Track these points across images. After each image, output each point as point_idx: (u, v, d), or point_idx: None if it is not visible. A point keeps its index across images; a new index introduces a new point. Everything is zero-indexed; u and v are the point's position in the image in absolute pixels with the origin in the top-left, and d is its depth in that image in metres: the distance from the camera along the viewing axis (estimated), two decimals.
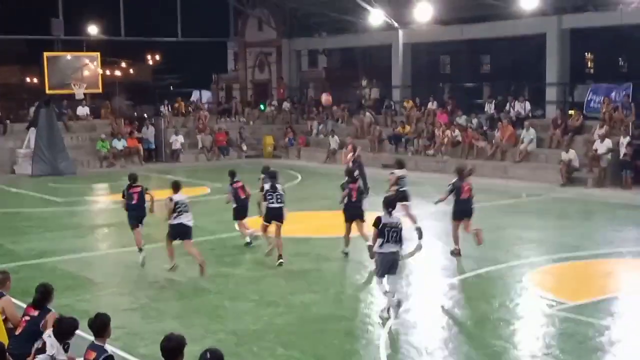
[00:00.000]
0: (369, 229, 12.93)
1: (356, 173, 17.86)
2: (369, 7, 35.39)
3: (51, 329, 8.13)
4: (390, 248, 11.77)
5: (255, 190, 16.96)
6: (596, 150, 26.28)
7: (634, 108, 27.26)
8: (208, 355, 6.41)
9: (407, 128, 33.52)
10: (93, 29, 40.47)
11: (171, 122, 37.79)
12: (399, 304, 11.64)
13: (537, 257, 16.01)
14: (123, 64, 56.05)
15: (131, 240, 18.03)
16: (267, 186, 15.69)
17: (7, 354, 7.94)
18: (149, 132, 36.45)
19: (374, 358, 10.21)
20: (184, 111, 39.66)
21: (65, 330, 8.09)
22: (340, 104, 39.49)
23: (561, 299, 12.59)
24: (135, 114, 39.62)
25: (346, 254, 16.12)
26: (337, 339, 10.90)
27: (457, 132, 31.11)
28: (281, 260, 15.19)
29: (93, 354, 7.49)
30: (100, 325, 7.65)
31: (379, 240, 11.75)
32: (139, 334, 11.12)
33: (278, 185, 15.68)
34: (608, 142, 26.11)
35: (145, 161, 35.16)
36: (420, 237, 17.10)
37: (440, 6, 33.35)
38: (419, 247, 16.87)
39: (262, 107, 41.49)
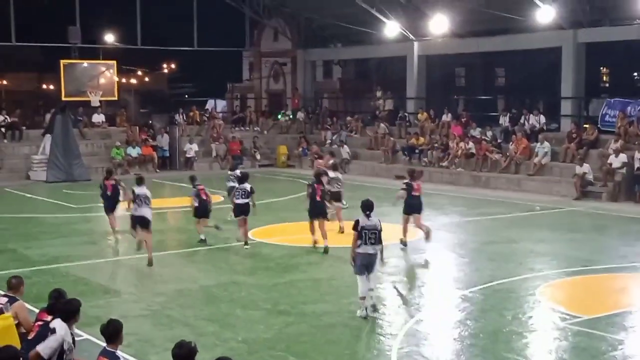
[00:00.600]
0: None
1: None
2: (384, 19, 35.45)
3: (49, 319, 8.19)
4: (367, 249, 12.39)
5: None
6: (611, 165, 26.18)
7: None
8: None
9: (421, 140, 33.50)
10: (110, 37, 40.68)
11: (186, 131, 37.92)
12: (374, 305, 12.46)
13: (550, 270, 15.93)
14: (139, 72, 56.29)
15: (143, 247, 18.10)
16: (236, 185, 18.91)
17: (20, 358, 7.96)
18: (163, 140, 36.59)
19: None
20: (198, 120, 39.79)
21: (71, 309, 8.18)
22: (354, 114, 39.57)
23: (574, 312, 12.52)
24: (150, 121, 39.75)
25: (314, 246, 17.68)
26: (349, 349, 10.88)
27: (471, 144, 31.05)
28: (247, 246, 17.80)
29: None
30: (113, 331, 7.66)
31: (358, 242, 12.36)
32: (150, 340, 11.13)
33: (246, 184, 18.12)
34: (623, 157, 26.01)
35: (160, 169, 35.28)
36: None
37: (455, 19, 33.37)
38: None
39: (279, 116, 41.58)
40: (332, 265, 16.16)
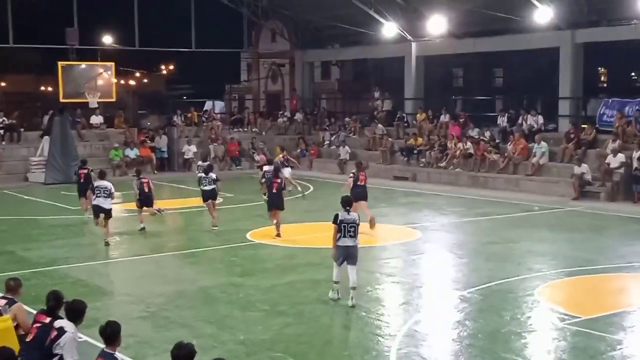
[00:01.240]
0: None
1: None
2: (382, 20, 35.46)
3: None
4: (347, 242, 13.06)
5: None
6: (609, 164, 26.19)
7: None
8: None
9: (419, 140, 33.51)
10: (107, 39, 40.65)
11: (184, 132, 37.92)
12: (352, 299, 12.90)
13: (549, 270, 15.93)
14: (137, 74, 56.22)
15: (142, 248, 18.16)
16: (201, 174, 21.07)
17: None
18: (161, 142, 36.59)
19: None
20: (196, 121, 39.81)
21: (77, 308, 8.25)
22: (352, 115, 39.61)
23: (573, 312, 12.52)
24: (148, 123, 39.75)
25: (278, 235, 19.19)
26: (347, 350, 10.88)
27: (469, 144, 31.08)
28: (214, 228, 20.24)
29: None
30: (111, 333, 7.65)
31: (338, 235, 13.02)
32: (149, 342, 11.13)
33: (212, 174, 20.73)
34: (621, 156, 26.03)
35: (158, 170, 35.27)
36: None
37: (453, 19, 33.38)
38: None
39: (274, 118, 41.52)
40: (331, 266, 16.10)
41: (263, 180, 23.13)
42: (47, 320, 8.67)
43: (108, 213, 18.86)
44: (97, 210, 18.95)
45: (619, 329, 11.79)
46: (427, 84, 37.77)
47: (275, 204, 19.39)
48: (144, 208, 20.70)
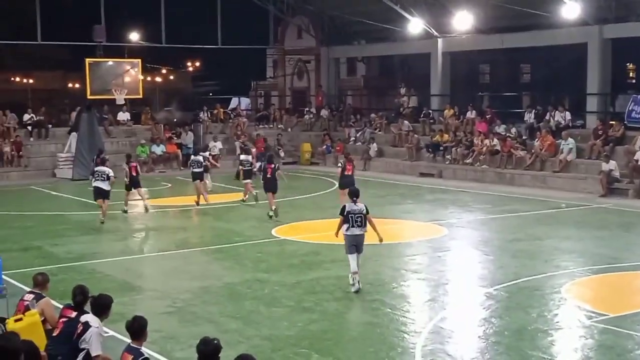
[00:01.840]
0: None
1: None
2: (408, 16, 35.35)
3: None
4: (354, 231, 13.76)
5: None
6: (637, 161, 25.92)
7: None
8: None
9: (445, 137, 33.38)
10: (134, 36, 40.89)
11: (210, 128, 38.05)
12: (354, 274, 13.61)
13: (576, 268, 15.79)
14: (163, 71, 56.55)
15: (169, 244, 18.27)
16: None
17: (46, 354, 8.03)
18: (187, 138, 36.73)
19: None
20: (222, 117, 39.94)
21: (103, 303, 8.31)
22: (378, 111, 39.54)
23: (600, 310, 12.41)
24: (175, 119, 39.93)
25: (270, 217, 21.03)
26: (373, 346, 10.85)
27: (495, 141, 30.89)
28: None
29: (130, 357, 7.53)
30: (138, 328, 7.70)
31: (345, 225, 13.74)
32: (175, 337, 11.18)
33: (199, 156, 24.50)
34: None
35: (184, 166, 35.38)
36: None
37: (479, 15, 33.21)
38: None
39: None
40: None
41: (244, 168, 24.64)
42: (73, 314, 8.73)
43: (106, 195, 21.03)
44: (97, 192, 21.09)
45: None
46: (453, 80, 37.62)
47: (270, 187, 21.50)
48: (132, 190, 22.94)
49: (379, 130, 37.55)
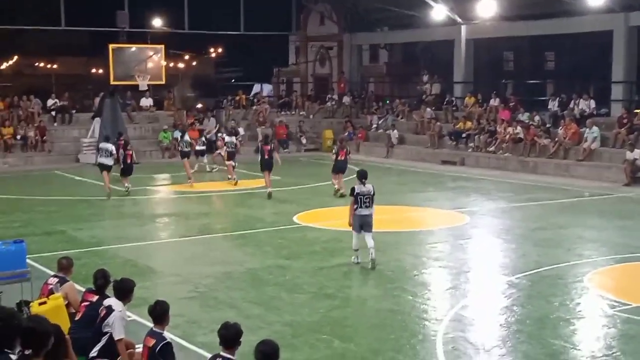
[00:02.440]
0: None
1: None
2: (432, 2, 35.15)
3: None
4: (363, 212, 14.36)
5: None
6: None
7: None
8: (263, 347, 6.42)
9: (468, 124, 33.23)
10: (157, 22, 40.97)
11: (232, 115, 38.11)
12: (373, 261, 14.24)
13: (599, 257, 15.69)
14: (186, 57, 56.62)
15: (191, 229, 18.36)
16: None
17: (63, 334, 8.10)
18: (210, 124, 36.80)
19: (430, 354, 10.15)
20: (244, 104, 39.97)
21: (125, 287, 8.37)
22: (400, 98, 39.41)
23: (623, 299, 12.33)
24: (198, 106, 40.01)
25: (269, 195, 22.65)
26: (394, 333, 10.86)
27: (519, 129, 30.71)
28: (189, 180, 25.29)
29: (152, 341, 7.60)
30: (160, 312, 7.75)
31: (355, 206, 14.32)
32: (197, 322, 11.23)
33: (186, 137, 27.14)
34: None
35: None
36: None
37: (504, 2, 32.94)
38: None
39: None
40: (377, 249, 16.09)
41: (228, 149, 26.67)
42: (95, 298, 8.81)
43: (109, 168, 23.16)
44: (102, 166, 23.29)
45: None
46: (476, 68, 37.40)
47: (269, 165, 23.05)
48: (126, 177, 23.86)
49: (401, 118, 37.45)
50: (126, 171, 23.90)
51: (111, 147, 23.39)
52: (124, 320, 8.32)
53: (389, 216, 19.58)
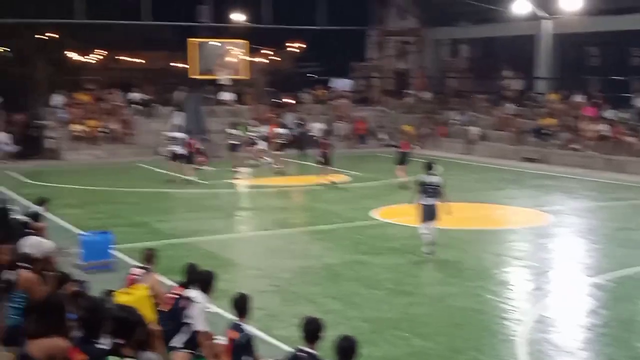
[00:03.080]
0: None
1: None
2: None
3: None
4: (428, 201, 14.67)
5: None
6: None
7: None
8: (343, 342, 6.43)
9: (551, 121, 32.56)
10: (238, 16, 41.34)
11: (311, 110, 38.19)
12: (432, 243, 14.71)
13: None
14: (266, 51, 56.97)
15: (271, 224, 18.48)
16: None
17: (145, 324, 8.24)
18: (289, 119, 36.99)
19: (511, 354, 9.99)
20: (324, 99, 40.03)
21: (207, 280, 8.56)
22: (481, 94, 38.90)
23: None
24: (277, 100, 40.27)
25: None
26: (474, 333, 10.72)
27: (604, 126, 29.94)
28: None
29: (234, 333, 7.66)
30: (242, 305, 7.81)
31: (422, 195, 14.66)
32: (276, 315, 11.30)
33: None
34: None
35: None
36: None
37: None
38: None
39: None
40: (458, 247, 15.96)
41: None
42: (181, 291, 8.93)
43: (182, 157, 25.11)
44: (175, 155, 25.30)
45: None
46: (559, 63, 36.63)
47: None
48: (187, 165, 25.24)
49: (482, 114, 36.94)
50: (187, 159, 25.44)
51: (182, 135, 25.98)
52: (205, 311, 8.41)
53: (470, 214, 19.34)
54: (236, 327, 7.74)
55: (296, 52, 58.83)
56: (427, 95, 40.39)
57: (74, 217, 18.86)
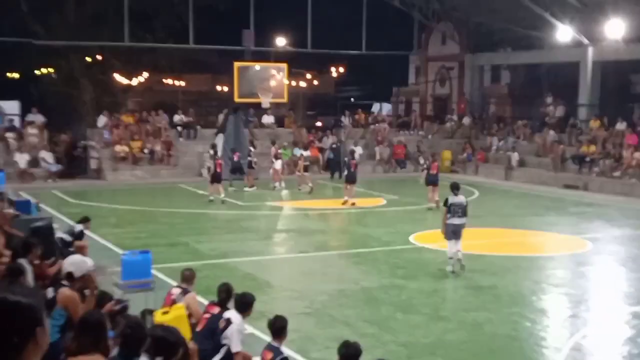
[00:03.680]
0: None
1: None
2: (557, 23, 34.44)
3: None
4: (454, 221, 15.42)
5: None
6: None
7: None
8: None
9: (592, 148, 32.29)
10: (281, 41, 41.75)
11: (351, 133, 38.36)
12: (460, 261, 15.47)
13: None
14: (307, 75, 57.39)
15: (308, 246, 18.56)
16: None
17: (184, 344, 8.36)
18: (329, 142, 37.16)
19: None
20: (363, 123, 40.19)
21: (245, 301, 8.62)
22: (522, 120, 38.75)
23: None
24: (318, 124, 40.53)
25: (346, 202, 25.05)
26: None
27: None
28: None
29: (270, 354, 7.75)
30: (279, 327, 7.91)
31: (448, 215, 15.44)
32: (312, 338, 11.36)
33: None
34: None
35: (325, 170, 35.86)
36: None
37: (632, 23, 31.93)
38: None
39: None
40: (495, 273, 15.90)
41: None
42: (217, 310, 9.05)
43: (218, 176, 25.55)
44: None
45: None
46: (602, 90, 36.36)
47: (351, 179, 25.52)
48: (214, 184, 25.50)
49: (523, 140, 36.77)
50: (215, 177, 25.65)
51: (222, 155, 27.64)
52: (242, 333, 8.51)
53: (509, 239, 19.27)
54: (272, 349, 7.83)
55: (337, 77, 59.15)
56: (467, 120, 40.32)
57: (115, 236, 19.16)
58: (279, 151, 31.20)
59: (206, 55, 46.29)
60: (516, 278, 15.53)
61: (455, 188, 15.82)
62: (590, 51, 35.29)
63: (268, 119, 38.67)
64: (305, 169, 29.14)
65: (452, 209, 15.48)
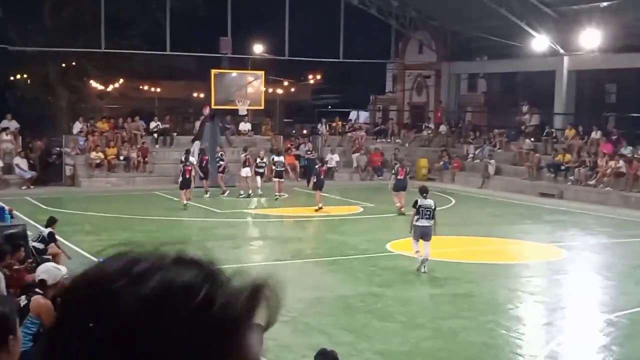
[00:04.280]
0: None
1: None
2: (533, 33, 34.69)
3: None
4: (423, 222, 15.99)
5: None
6: None
7: None
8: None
9: (568, 157, 32.52)
10: (258, 48, 41.72)
11: (328, 141, 38.36)
12: (424, 261, 15.93)
13: None
14: (285, 83, 57.41)
15: (284, 254, 18.51)
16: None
17: None
18: (305, 150, 37.15)
19: None
20: (340, 130, 40.22)
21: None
22: (498, 129, 38.95)
23: None
24: (294, 131, 40.51)
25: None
26: None
27: (621, 163, 29.87)
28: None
29: None
30: None
31: (416, 217, 16.04)
32: (288, 346, 11.28)
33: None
34: None
35: (301, 177, 35.79)
36: None
37: (607, 33, 32.23)
38: None
39: None
40: (471, 281, 15.92)
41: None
42: None
43: (186, 184, 26.09)
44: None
45: None
46: (577, 99, 36.64)
47: (321, 185, 25.98)
48: (184, 190, 25.96)
49: (499, 148, 36.96)
50: (183, 184, 26.16)
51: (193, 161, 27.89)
52: None
53: (485, 247, 19.32)
54: None
55: (315, 84, 59.22)
56: (444, 128, 40.47)
57: (89, 243, 18.95)
58: (249, 158, 30.37)
59: (183, 62, 46.23)
60: (492, 286, 15.56)
61: (423, 192, 16.48)
62: (566, 60, 35.57)
63: (245, 126, 38.60)
64: (278, 174, 28.95)
65: (421, 211, 16.06)
